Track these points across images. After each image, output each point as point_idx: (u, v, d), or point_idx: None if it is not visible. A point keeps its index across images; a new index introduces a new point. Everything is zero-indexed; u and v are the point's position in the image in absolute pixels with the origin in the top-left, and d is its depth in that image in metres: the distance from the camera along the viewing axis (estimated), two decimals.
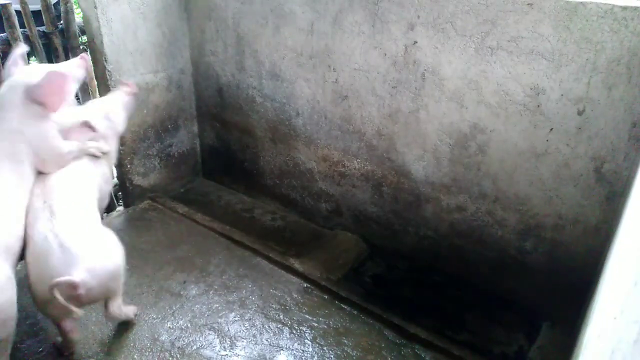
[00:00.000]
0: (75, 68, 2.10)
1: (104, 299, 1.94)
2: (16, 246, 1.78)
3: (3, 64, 2.12)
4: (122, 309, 2.02)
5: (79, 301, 1.72)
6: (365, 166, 2.61)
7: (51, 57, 2.55)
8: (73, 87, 2.06)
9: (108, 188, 2.26)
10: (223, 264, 2.55)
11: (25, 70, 1.99)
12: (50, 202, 1.86)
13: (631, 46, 1.74)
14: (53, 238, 1.75)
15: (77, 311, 1.71)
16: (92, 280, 1.73)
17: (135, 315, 2.17)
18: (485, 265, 2.39)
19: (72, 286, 1.65)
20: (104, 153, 2.18)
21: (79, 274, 1.68)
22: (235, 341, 2.13)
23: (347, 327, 2.21)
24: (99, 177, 2.15)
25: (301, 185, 2.95)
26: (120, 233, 2.76)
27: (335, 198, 2.82)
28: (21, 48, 2.05)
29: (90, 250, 1.78)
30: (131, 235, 2.73)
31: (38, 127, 1.92)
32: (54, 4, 2.59)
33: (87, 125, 2.12)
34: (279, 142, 2.91)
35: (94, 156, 2.14)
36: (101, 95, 2.80)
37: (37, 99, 1.89)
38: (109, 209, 2.88)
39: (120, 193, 3.06)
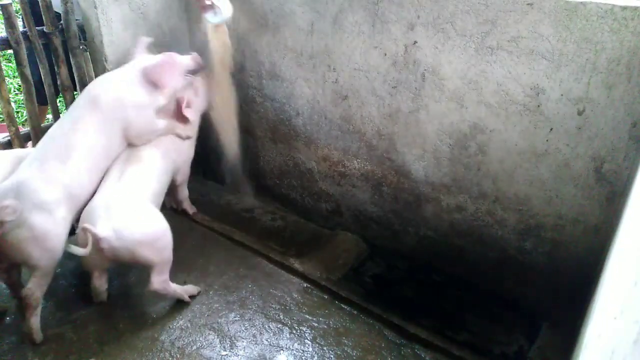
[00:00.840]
0: (188, 59, 2.43)
1: (137, 265, 2.12)
2: (81, 197, 2.08)
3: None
4: (169, 286, 2.18)
5: (104, 256, 1.96)
6: (365, 166, 2.61)
7: (51, 57, 2.55)
8: (183, 74, 2.39)
9: (182, 159, 2.55)
10: (223, 264, 2.55)
11: (146, 55, 2.38)
12: (123, 170, 2.18)
13: (631, 46, 1.73)
14: (107, 196, 2.05)
15: (85, 252, 1.91)
16: (116, 241, 1.93)
17: (191, 296, 2.29)
18: (485, 265, 2.39)
19: (96, 238, 1.88)
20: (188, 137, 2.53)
21: (103, 230, 1.91)
22: (235, 341, 2.12)
23: (347, 327, 2.21)
24: (173, 152, 2.43)
25: (301, 185, 2.95)
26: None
27: (335, 198, 2.82)
28: (146, 38, 2.45)
29: (125, 216, 2.00)
30: None
31: (144, 103, 2.26)
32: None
33: (186, 104, 2.44)
34: (279, 142, 2.91)
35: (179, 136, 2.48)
36: None
37: (151, 78, 2.25)
38: None
39: None
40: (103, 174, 2.19)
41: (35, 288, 1.96)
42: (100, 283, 2.22)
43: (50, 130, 2.18)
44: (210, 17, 2.44)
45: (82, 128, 2.12)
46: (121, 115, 2.20)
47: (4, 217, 1.80)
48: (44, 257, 1.93)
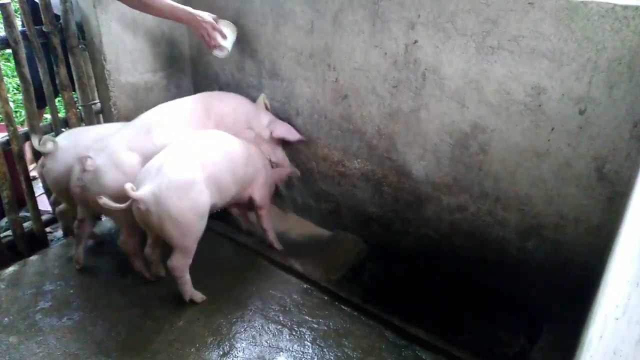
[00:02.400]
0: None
1: (160, 235, 2.15)
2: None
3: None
4: (185, 274, 2.21)
5: (140, 214, 2.05)
6: (365, 166, 2.60)
7: (50, 56, 2.54)
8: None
9: (255, 173, 2.52)
10: (223, 264, 2.54)
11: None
12: (199, 147, 2.25)
13: (632, 45, 1.72)
14: (165, 162, 2.09)
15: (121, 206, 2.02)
16: (152, 205, 2.01)
17: (190, 300, 2.28)
18: (486, 265, 2.38)
19: (135, 197, 1.98)
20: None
21: (144, 191, 2.00)
22: (234, 342, 2.12)
23: (347, 328, 2.20)
24: (253, 156, 2.47)
25: (301, 185, 2.94)
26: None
27: (335, 198, 2.81)
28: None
29: (170, 188, 2.03)
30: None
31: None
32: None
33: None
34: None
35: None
36: (99, 94, 2.79)
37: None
38: None
39: None
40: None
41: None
42: (151, 253, 2.31)
43: None
44: (217, 53, 2.55)
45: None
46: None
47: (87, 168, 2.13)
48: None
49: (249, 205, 2.58)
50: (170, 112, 2.45)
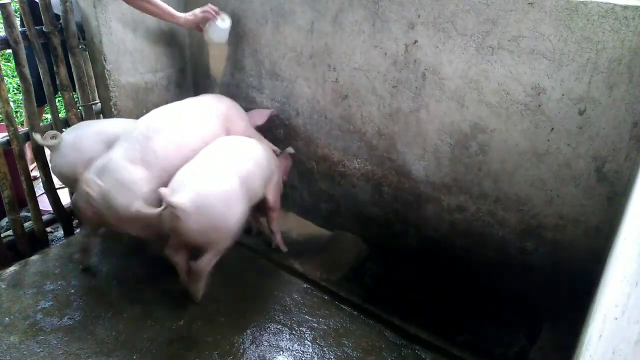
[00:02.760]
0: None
1: (191, 241, 2.08)
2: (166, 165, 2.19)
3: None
4: (208, 272, 2.17)
5: (175, 220, 1.98)
6: (365, 166, 2.60)
7: (50, 56, 2.55)
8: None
9: (273, 171, 2.50)
10: (223, 264, 2.54)
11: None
12: (233, 154, 2.26)
13: (632, 46, 1.73)
14: (203, 170, 2.09)
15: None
16: (193, 213, 1.96)
17: (191, 297, 2.27)
18: (486, 265, 2.38)
19: (174, 204, 1.93)
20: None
21: (183, 199, 1.95)
22: (234, 342, 2.12)
23: (347, 327, 2.21)
24: (252, 161, 2.34)
25: (301, 185, 2.94)
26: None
27: (335, 198, 2.82)
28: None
29: (212, 197, 2.02)
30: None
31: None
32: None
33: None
34: (278, 142, 2.90)
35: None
36: (99, 94, 2.79)
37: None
38: None
39: None
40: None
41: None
42: (180, 259, 2.19)
43: None
44: (219, 23, 2.55)
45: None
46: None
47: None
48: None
49: (260, 207, 2.55)
50: (168, 116, 2.35)
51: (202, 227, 2.02)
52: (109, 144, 2.27)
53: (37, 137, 2.34)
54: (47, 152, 2.47)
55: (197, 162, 2.16)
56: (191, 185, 2.02)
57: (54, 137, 2.29)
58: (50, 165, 2.35)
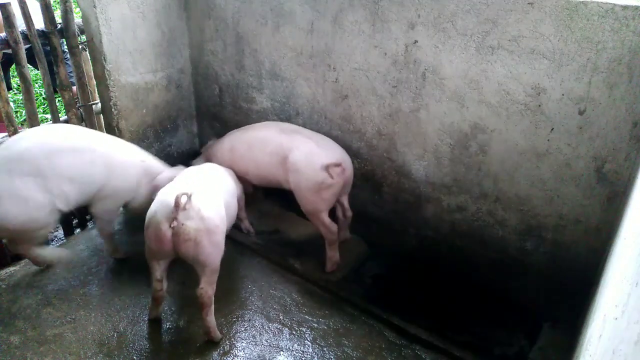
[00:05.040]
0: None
1: (194, 260, 2.04)
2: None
3: (3, 69, 2.17)
4: (212, 307, 2.08)
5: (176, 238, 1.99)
6: (365, 166, 2.60)
7: (50, 56, 2.55)
8: None
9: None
10: (223, 264, 2.54)
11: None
12: (216, 183, 2.31)
13: (632, 46, 1.73)
14: (199, 200, 2.04)
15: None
16: (196, 230, 1.97)
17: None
18: (486, 265, 2.38)
19: (178, 225, 1.96)
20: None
21: (188, 218, 1.97)
22: (234, 342, 2.12)
23: (347, 327, 2.21)
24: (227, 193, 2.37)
25: None
26: (119, 232, 2.77)
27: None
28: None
29: (209, 223, 2.02)
30: (130, 234, 2.72)
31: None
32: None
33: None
34: None
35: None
36: (99, 94, 2.79)
37: None
38: None
39: None
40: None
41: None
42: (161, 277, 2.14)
43: None
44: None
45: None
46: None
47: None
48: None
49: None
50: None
51: (201, 246, 2.01)
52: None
53: None
54: None
55: (189, 188, 2.08)
56: (186, 213, 1.99)
57: None
58: None
